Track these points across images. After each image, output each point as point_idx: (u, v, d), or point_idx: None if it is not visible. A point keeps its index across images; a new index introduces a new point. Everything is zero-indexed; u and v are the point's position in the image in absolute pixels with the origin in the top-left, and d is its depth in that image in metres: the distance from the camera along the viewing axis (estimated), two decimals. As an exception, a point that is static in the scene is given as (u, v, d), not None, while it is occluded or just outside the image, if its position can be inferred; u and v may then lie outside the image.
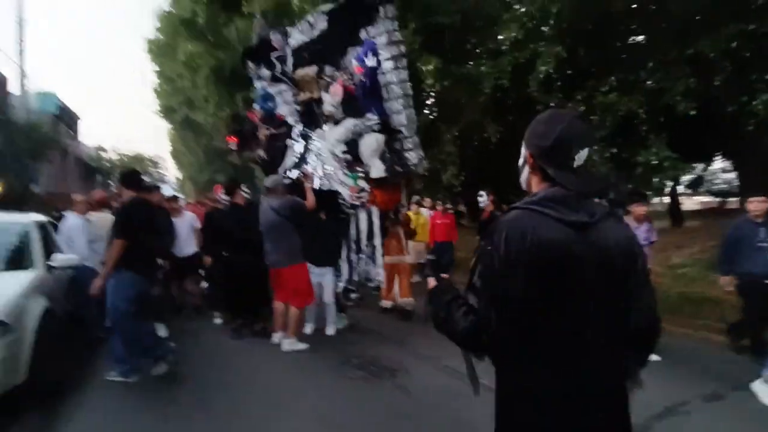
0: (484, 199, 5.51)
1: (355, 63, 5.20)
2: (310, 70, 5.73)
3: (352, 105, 5.32)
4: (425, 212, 8.98)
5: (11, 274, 4.01)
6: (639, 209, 4.84)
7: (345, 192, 5.16)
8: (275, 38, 5.96)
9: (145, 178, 6.46)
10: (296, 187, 5.30)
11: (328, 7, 5.72)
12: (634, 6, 7.71)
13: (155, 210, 4.57)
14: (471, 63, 8.51)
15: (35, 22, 55.10)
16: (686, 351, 4.99)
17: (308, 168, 5.51)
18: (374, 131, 5.15)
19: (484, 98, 8.68)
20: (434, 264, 1.68)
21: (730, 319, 5.13)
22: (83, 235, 5.29)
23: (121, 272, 3.95)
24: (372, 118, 5.14)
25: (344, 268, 5.54)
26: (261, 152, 6.04)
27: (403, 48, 5.32)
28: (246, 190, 5.74)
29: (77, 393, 3.86)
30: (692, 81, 6.57)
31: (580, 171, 1.31)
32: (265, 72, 6.30)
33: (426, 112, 10.41)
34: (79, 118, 28.94)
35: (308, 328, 5.57)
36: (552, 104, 7.60)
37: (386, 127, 5.21)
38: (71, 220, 5.45)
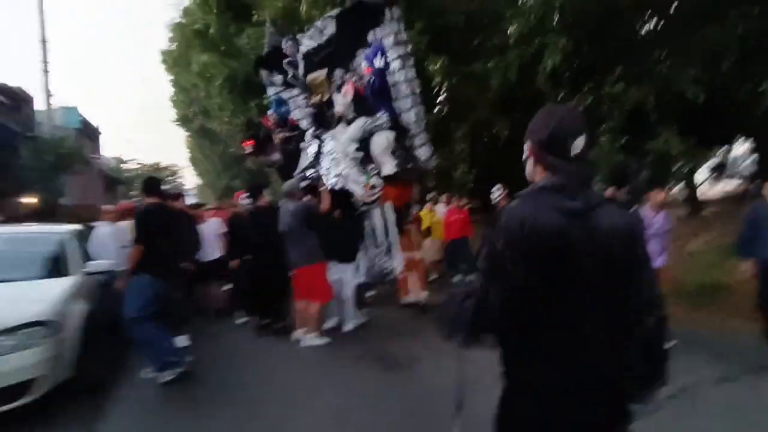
0: (497, 194, 5.60)
1: (364, 64, 5.40)
2: (321, 74, 5.93)
3: (362, 105, 5.49)
4: (440, 209, 9.05)
5: (54, 280, 4.32)
6: (657, 196, 4.75)
7: (358, 190, 5.32)
8: (286, 45, 6.17)
9: (165, 187, 6.71)
10: (314, 187, 5.52)
11: (336, 11, 5.91)
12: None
13: (174, 215, 4.63)
14: (478, 60, 8.59)
15: (55, 39, 56.84)
16: (700, 336, 5.00)
17: (322, 169, 5.70)
18: (384, 129, 5.31)
19: (492, 95, 8.76)
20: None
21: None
22: (114, 242, 5.57)
23: (139, 275, 4.16)
24: (382, 117, 5.31)
25: (362, 263, 5.71)
26: (276, 156, 6.29)
27: (409, 48, 5.50)
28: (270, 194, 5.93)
29: (115, 388, 4.13)
30: (699, 69, 6.57)
31: (579, 159, 1.37)
32: (278, 78, 6.52)
33: (437, 110, 10.51)
34: (100, 132, 29.81)
35: (331, 323, 5.77)
36: (560, 97, 7.66)
37: (396, 125, 5.37)
38: (102, 228, 5.79)
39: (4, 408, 3.22)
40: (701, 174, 13.39)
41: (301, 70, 6.11)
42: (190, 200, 7.50)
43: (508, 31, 7.58)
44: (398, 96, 5.39)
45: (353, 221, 5.58)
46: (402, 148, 5.43)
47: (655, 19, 8.08)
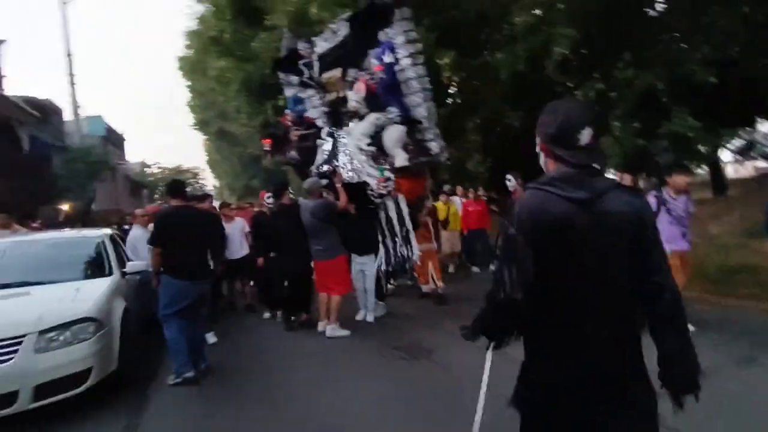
0: (512, 182, 5.71)
1: (375, 62, 5.60)
2: (335, 73, 6.16)
3: (374, 101, 5.68)
4: (457, 201, 9.17)
5: (96, 280, 4.65)
6: (679, 180, 4.63)
7: (373, 183, 5.52)
8: (302, 47, 6.42)
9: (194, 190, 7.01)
10: (331, 184, 5.75)
11: (348, 14, 6.13)
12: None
13: (198, 216, 4.67)
14: (487, 52, 8.67)
15: (79, 51, 58.37)
16: (723, 318, 5.00)
17: (338, 163, 5.91)
18: (395, 123, 5.50)
19: (502, 86, 8.84)
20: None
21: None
22: (146, 243, 5.93)
23: (162, 276, 4.35)
24: (393, 111, 5.50)
25: (381, 252, 5.90)
26: (293, 153, 6.55)
27: (419, 45, 5.67)
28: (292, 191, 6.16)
29: (155, 379, 4.41)
30: (709, 50, 6.54)
31: (587, 149, 1.42)
32: (294, 79, 6.77)
33: (449, 102, 10.61)
34: (124, 139, 30.71)
35: (360, 315, 5.99)
36: (570, 85, 7.70)
37: (407, 120, 5.55)
38: (135, 231, 6.14)
39: (66, 395, 3.55)
40: (725, 155, 13.16)
41: (316, 71, 6.35)
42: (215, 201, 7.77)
43: (518, 20, 7.64)
44: (409, 92, 5.58)
45: (370, 214, 5.80)
46: (414, 141, 5.63)
47: (662, 2, 8.03)
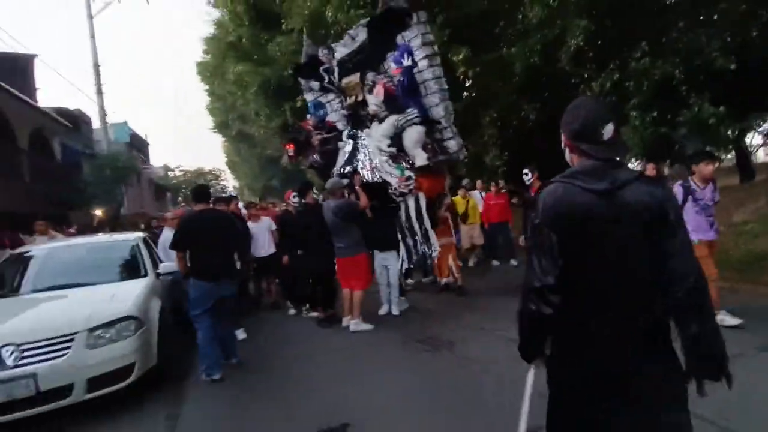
0: (529, 176, 5.77)
1: (393, 66, 5.76)
2: (355, 77, 6.35)
3: (393, 103, 5.83)
4: (476, 195, 9.21)
5: (133, 281, 4.92)
6: (706, 168, 4.52)
7: (393, 182, 5.69)
8: (322, 54, 6.62)
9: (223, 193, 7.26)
10: (351, 185, 5.95)
11: (366, 20, 6.32)
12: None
13: (221, 219, 4.76)
14: (500, 47, 8.69)
15: (104, 59, 59.86)
16: (747, 306, 4.97)
17: (359, 165, 6.10)
18: (415, 124, 5.64)
19: (517, 79, 8.86)
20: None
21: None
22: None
23: (190, 279, 4.54)
24: (412, 113, 5.64)
25: (402, 250, 6.08)
26: (316, 157, 6.77)
27: (435, 47, 5.82)
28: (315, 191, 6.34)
29: (192, 374, 4.64)
30: (728, 36, 6.46)
31: (610, 143, 1.51)
32: (315, 84, 6.98)
33: (464, 96, 10.66)
34: (148, 143, 31.53)
35: (383, 309, 6.16)
36: (585, 76, 7.68)
37: (426, 120, 5.69)
38: (166, 233, 6.43)
39: (114, 388, 3.83)
40: (755, 140, 12.81)
41: (336, 76, 6.55)
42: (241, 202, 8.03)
43: (530, 16, 7.66)
44: (427, 92, 5.73)
45: (390, 212, 5.98)
46: (433, 141, 5.78)
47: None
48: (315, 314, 6.40)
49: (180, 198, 33.13)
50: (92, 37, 16.10)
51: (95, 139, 19.64)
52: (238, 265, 5.08)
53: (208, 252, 4.48)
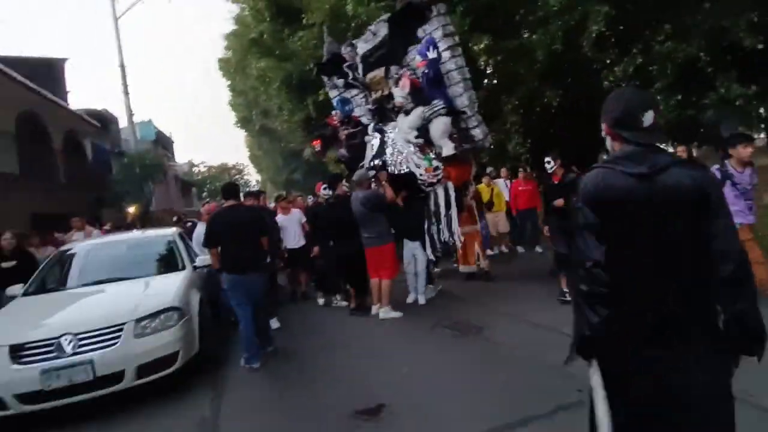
0: (551, 164, 5.77)
1: (418, 58, 5.84)
2: (379, 72, 6.45)
3: (418, 95, 5.92)
4: (500, 183, 9.23)
5: (173, 274, 5.17)
6: (744, 151, 4.41)
7: (421, 172, 5.82)
8: (345, 51, 6.76)
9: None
10: (378, 177, 6.08)
11: (387, 15, 6.39)
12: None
13: (240, 214, 4.86)
14: (521, 34, 8.61)
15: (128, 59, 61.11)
16: None
17: (387, 157, 6.23)
18: (441, 115, 5.72)
19: (539, 66, 8.79)
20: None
21: None
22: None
23: (222, 273, 4.77)
24: (438, 104, 5.72)
25: (427, 239, 6.22)
26: (343, 151, 6.94)
27: (457, 38, 5.88)
28: (346, 183, 6.46)
29: (232, 362, 4.85)
30: (754, 14, 6.29)
31: (650, 129, 1.57)
32: (340, 81, 7.12)
33: (485, 83, 10.62)
34: (173, 141, 32.27)
35: (410, 298, 6.30)
36: (608, 61, 7.58)
37: (451, 110, 5.78)
38: (200, 228, 6.69)
39: (161, 374, 4.07)
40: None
41: (360, 72, 6.68)
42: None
43: (550, 2, 7.59)
44: (451, 83, 5.80)
45: (418, 202, 6.11)
46: (458, 130, 5.86)
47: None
48: (345, 304, 6.58)
49: (205, 193, 33.84)
50: (117, 37, 16.55)
51: (122, 138, 20.26)
52: (268, 257, 5.23)
53: (237, 246, 4.65)
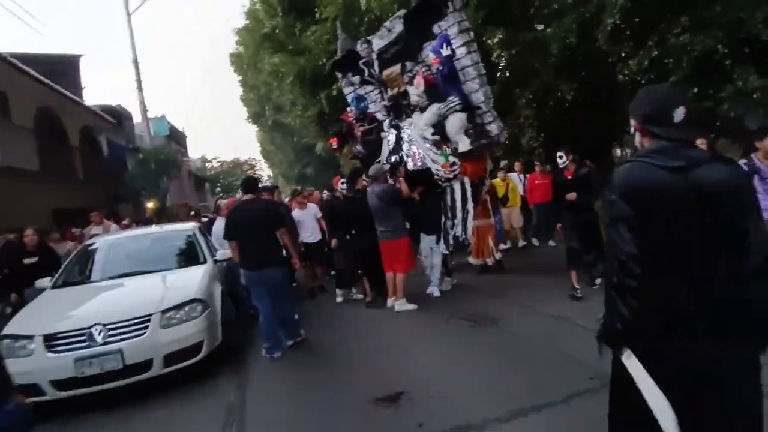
0: (563, 159, 5.59)
1: (432, 55, 5.88)
2: (395, 69, 6.52)
3: (434, 92, 5.98)
4: (514, 177, 9.23)
5: (195, 267, 5.31)
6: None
7: (438, 168, 5.90)
8: (361, 48, 6.81)
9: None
10: (394, 169, 6.20)
11: (402, 11, 6.44)
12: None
13: (255, 208, 4.87)
14: (536, 27, 8.58)
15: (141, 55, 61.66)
16: None
17: (403, 153, 6.32)
18: (457, 111, 5.78)
19: (554, 60, 8.76)
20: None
21: None
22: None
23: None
24: (453, 100, 5.77)
25: (442, 234, 6.29)
26: (359, 147, 7.03)
27: (472, 34, 5.90)
28: (366, 178, 6.52)
29: (254, 352, 5.01)
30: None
31: (682, 125, 1.58)
32: (355, 78, 7.20)
33: (498, 77, 10.60)
34: (186, 136, 32.60)
35: (436, 291, 6.35)
36: (623, 54, 7.53)
37: (467, 106, 5.82)
38: (220, 222, 6.84)
39: (187, 363, 4.24)
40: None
41: (376, 69, 6.74)
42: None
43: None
44: (466, 79, 5.84)
45: (435, 197, 6.19)
46: (474, 126, 5.91)
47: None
48: (361, 296, 6.69)
49: (218, 189, 34.19)
50: (131, 33, 16.74)
51: (136, 133, 20.54)
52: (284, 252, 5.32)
53: (253, 241, 4.71)
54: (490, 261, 7.25)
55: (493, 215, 7.43)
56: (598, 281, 5.59)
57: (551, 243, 8.90)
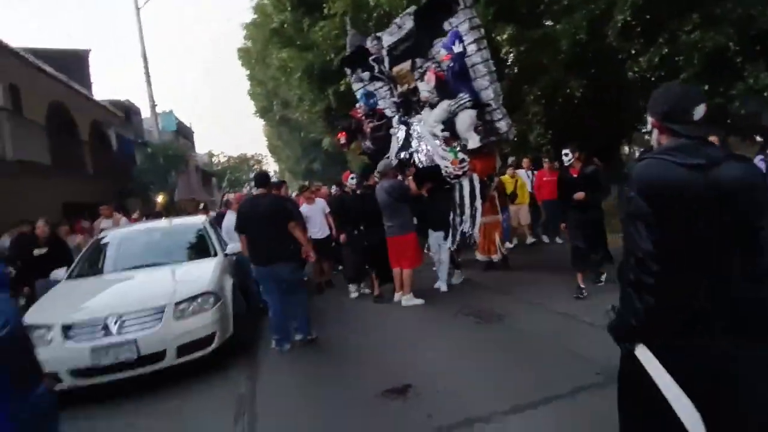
0: (569, 157, 5.53)
1: (443, 52, 5.90)
2: (405, 65, 6.55)
3: (444, 89, 6.00)
4: (523, 174, 9.24)
5: (207, 260, 5.38)
6: None
7: (447, 165, 5.93)
8: (370, 44, 6.84)
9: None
10: (403, 167, 6.23)
11: (413, 8, 6.47)
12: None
13: (263, 204, 4.85)
14: (545, 24, 8.56)
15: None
16: None
17: (412, 150, 6.36)
18: (467, 108, 5.81)
19: (563, 56, 8.74)
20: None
21: None
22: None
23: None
24: (463, 97, 5.80)
25: (450, 231, 6.34)
26: (368, 143, 7.07)
27: (482, 31, 5.92)
28: (376, 174, 6.53)
29: (264, 344, 5.09)
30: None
31: (701, 123, 1.57)
32: (365, 74, 7.23)
33: (506, 73, 10.58)
34: (193, 131, 32.77)
35: (443, 286, 6.42)
36: (633, 51, 7.50)
37: (477, 103, 5.85)
38: (230, 216, 6.91)
39: (199, 354, 4.32)
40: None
41: (386, 65, 6.77)
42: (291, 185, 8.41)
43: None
44: (477, 76, 5.87)
45: (443, 193, 6.23)
46: (484, 123, 5.94)
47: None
48: (368, 291, 6.75)
49: (224, 184, 34.35)
50: (139, 28, 16.85)
51: (145, 128, 20.68)
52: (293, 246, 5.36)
53: (263, 235, 4.70)
54: (495, 258, 7.28)
55: (501, 213, 7.46)
56: (603, 277, 5.61)
57: (558, 240, 8.92)
